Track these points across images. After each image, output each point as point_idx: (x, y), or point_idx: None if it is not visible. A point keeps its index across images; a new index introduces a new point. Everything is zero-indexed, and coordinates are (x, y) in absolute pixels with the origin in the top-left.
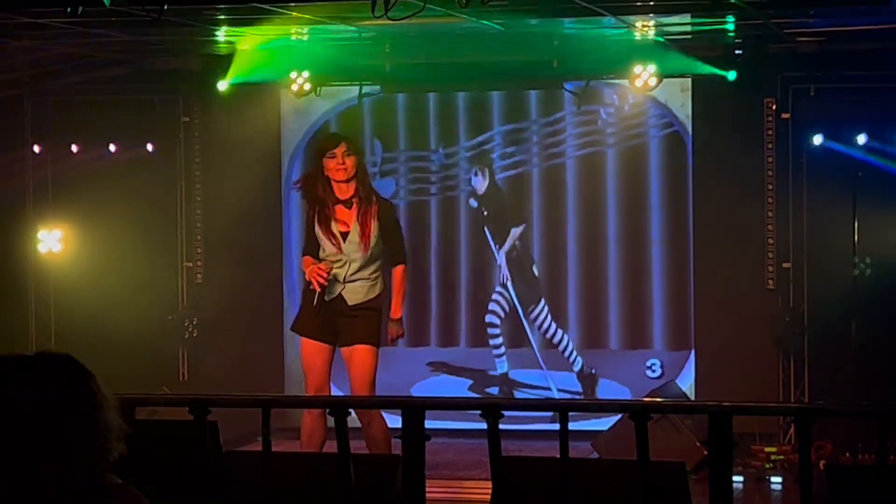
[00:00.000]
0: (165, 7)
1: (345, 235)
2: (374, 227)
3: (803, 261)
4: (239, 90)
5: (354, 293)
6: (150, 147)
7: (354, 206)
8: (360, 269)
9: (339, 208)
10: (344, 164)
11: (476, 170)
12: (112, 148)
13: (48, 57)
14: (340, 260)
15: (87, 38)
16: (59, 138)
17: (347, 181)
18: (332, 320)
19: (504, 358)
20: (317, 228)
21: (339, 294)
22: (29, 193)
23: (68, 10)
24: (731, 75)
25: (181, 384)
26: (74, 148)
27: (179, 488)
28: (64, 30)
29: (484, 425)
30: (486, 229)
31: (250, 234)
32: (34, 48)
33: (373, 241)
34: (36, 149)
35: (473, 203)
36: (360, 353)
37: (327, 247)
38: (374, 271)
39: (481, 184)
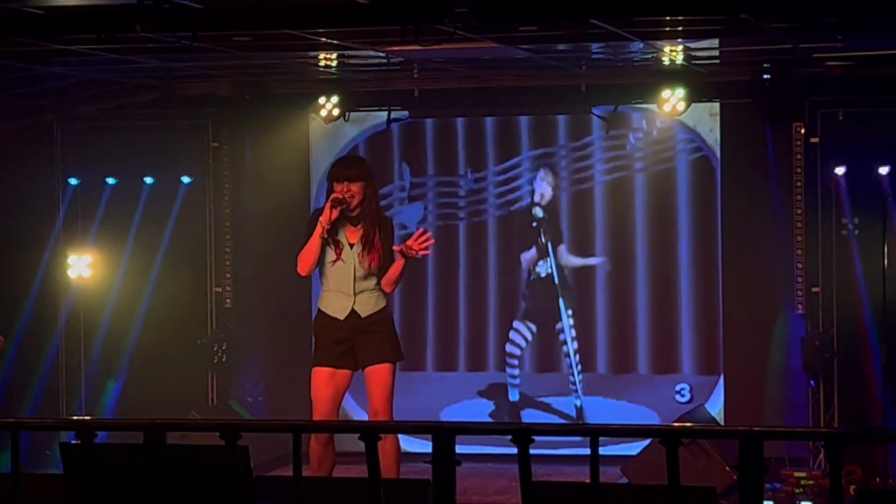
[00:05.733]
0: (196, 33)
1: (352, 246)
2: (379, 248)
3: (832, 285)
4: (269, 116)
5: (365, 304)
6: (179, 172)
7: (361, 225)
8: (363, 280)
9: (347, 224)
10: (349, 190)
11: (542, 174)
12: (141, 173)
13: (78, 83)
14: (342, 270)
15: (117, 65)
16: (88, 163)
17: (354, 207)
18: (350, 341)
19: (517, 389)
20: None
21: (352, 309)
22: (59, 218)
23: (100, 36)
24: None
25: (210, 409)
26: (103, 173)
27: None
28: (94, 56)
29: (513, 450)
30: (542, 235)
31: (279, 259)
32: (65, 74)
33: (377, 260)
34: (65, 174)
35: (538, 212)
36: (379, 371)
37: (329, 253)
38: (378, 284)
39: (547, 191)
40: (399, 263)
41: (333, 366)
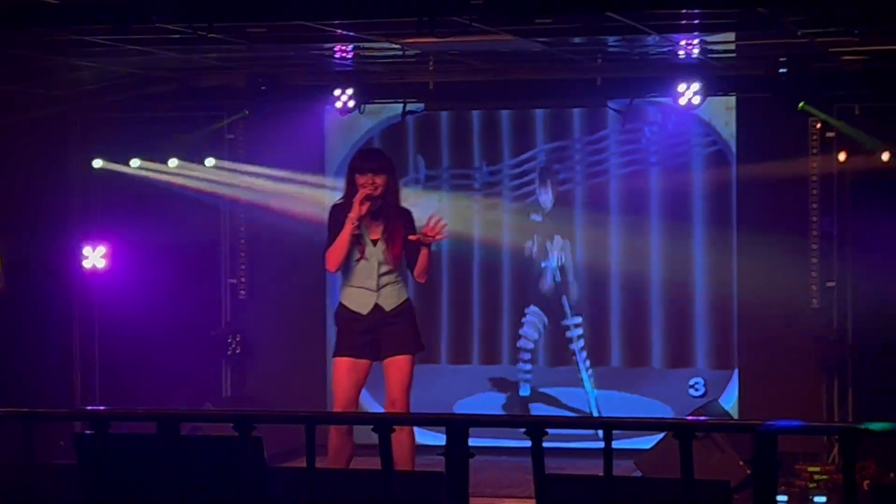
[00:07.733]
0: (212, 24)
1: (374, 242)
2: (401, 240)
3: (847, 280)
4: (283, 108)
5: (389, 298)
6: (194, 164)
7: (382, 219)
8: (386, 274)
9: (367, 219)
10: (374, 182)
11: (539, 187)
12: (156, 164)
13: (95, 74)
14: (365, 267)
15: (133, 56)
16: (103, 154)
17: (376, 199)
18: (373, 332)
19: (528, 384)
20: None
21: (376, 303)
22: (73, 210)
23: (116, 27)
24: None
25: (224, 400)
26: (118, 165)
27: None
28: (110, 47)
29: (527, 443)
30: (547, 245)
31: (294, 251)
32: (80, 66)
33: (400, 252)
34: (81, 165)
35: (537, 218)
36: (400, 362)
37: (353, 251)
38: (399, 276)
39: (548, 199)
40: (424, 253)
41: (355, 356)
